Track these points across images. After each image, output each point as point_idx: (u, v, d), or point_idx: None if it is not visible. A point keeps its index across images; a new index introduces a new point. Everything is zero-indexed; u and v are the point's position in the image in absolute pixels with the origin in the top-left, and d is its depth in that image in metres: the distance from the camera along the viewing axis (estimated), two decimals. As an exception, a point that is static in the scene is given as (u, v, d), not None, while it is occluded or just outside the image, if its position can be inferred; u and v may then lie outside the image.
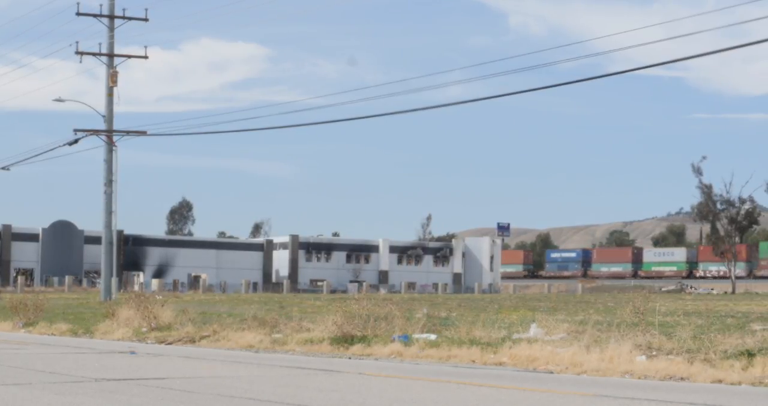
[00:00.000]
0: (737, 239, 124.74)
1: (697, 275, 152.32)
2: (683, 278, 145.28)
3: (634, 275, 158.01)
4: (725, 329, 24.04)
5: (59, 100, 63.80)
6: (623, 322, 21.15)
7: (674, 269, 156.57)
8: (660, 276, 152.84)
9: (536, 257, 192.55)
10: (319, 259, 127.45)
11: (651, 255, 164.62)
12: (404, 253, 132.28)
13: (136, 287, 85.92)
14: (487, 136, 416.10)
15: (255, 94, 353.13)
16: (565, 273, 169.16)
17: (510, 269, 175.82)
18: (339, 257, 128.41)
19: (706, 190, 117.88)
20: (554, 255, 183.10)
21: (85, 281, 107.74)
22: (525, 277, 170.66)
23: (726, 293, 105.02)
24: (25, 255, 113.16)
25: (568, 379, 16.90)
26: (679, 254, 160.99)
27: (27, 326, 34.82)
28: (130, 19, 61.42)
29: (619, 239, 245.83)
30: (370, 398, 13.44)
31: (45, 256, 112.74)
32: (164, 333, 28.88)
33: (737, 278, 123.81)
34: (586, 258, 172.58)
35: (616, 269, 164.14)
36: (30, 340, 28.76)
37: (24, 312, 35.90)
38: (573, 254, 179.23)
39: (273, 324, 27.34)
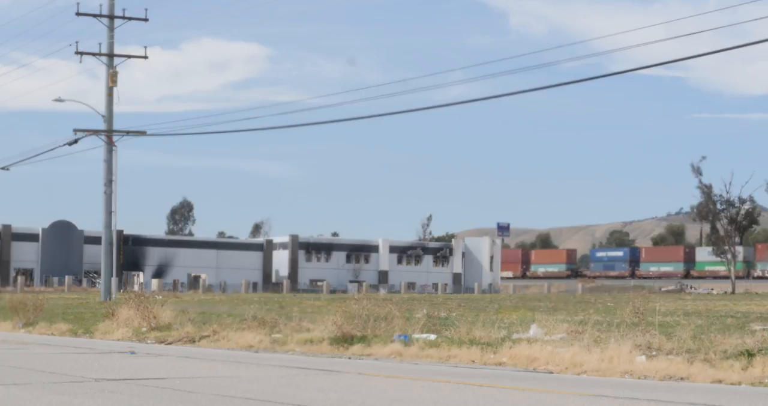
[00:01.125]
0: (737, 239, 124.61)
1: (755, 274, 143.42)
2: (739, 278, 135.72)
3: (686, 275, 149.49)
4: (725, 329, 24.04)
5: (59, 100, 63.78)
6: (623, 322, 21.16)
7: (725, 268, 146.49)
8: (715, 276, 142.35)
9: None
10: (319, 259, 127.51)
11: (704, 254, 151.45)
12: (404, 253, 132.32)
13: (136, 287, 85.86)
14: (487, 136, 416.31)
15: (256, 94, 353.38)
16: (611, 273, 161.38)
17: (552, 269, 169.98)
18: (339, 257, 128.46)
19: (706, 190, 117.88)
20: (599, 254, 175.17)
21: (84, 281, 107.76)
22: (568, 277, 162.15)
23: (726, 293, 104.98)
24: (25, 255, 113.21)
25: (568, 379, 16.90)
26: None
27: (27, 326, 34.82)
28: (130, 19, 61.43)
29: (619, 239, 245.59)
30: (369, 398, 13.44)
31: (45, 256, 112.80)
32: (164, 333, 28.88)
33: None
34: (633, 257, 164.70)
35: (666, 268, 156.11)
36: (30, 340, 28.76)
37: (24, 312, 35.90)
38: (620, 253, 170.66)
39: (273, 324, 27.35)
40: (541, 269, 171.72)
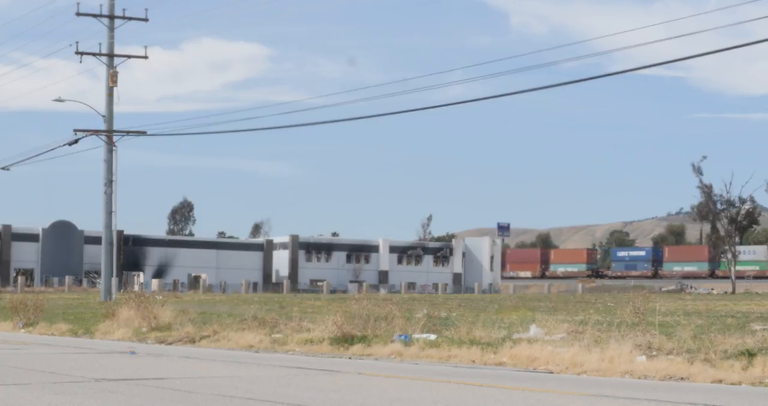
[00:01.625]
0: (737, 239, 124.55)
1: None
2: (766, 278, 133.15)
3: (712, 275, 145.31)
4: (725, 329, 24.04)
5: (59, 100, 63.79)
6: (623, 322, 21.15)
7: (756, 268, 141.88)
8: (741, 276, 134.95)
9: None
10: (319, 259, 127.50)
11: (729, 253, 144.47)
12: (404, 253, 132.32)
13: (136, 287, 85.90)
14: (487, 136, 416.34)
15: (256, 94, 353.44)
16: (634, 273, 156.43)
17: (572, 269, 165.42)
18: (339, 257, 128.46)
19: (707, 190, 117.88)
20: (621, 254, 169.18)
21: (85, 281, 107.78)
22: (589, 277, 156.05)
23: (726, 292, 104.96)
24: (25, 255, 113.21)
25: (568, 379, 16.90)
26: (762, 251, 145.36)
27: (27, 326, 34.82)
28: (130, 19, 61.44)
29: (619, 239, 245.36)
30: (370, 398, 13.44)
31: (45, 256, 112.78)
32: (164, 333, 28.87)
33: None
34: (656, 257, 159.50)
35: (690, 268, 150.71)
36: (30, 340, 28.76)
37: (24, 312, 35.90)
38: (642, 253, 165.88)
39: (273, 324, 27.35)
40: (560, 269, 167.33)
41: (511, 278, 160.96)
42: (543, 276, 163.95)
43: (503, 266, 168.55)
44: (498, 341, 21.26)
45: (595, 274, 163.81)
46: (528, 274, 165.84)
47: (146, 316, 30.65)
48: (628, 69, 42.07)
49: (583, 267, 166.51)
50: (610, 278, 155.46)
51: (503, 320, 28.10)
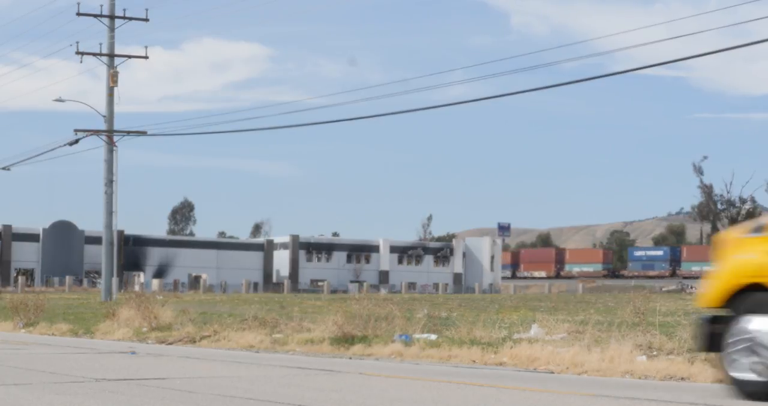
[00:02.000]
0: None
1: None
2: None
3: None
4: (726, 329, 24.00)
5: (60, 100, 63.84)
6: (624, 322, 21.15)
7: None
8: None
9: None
10: (319, 259, 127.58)
11: None
12: (405, 253, 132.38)
13: (137, 287, 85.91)
14: (487, 136, 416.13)
15: (257, 94, 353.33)
16: (651, 273, 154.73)
17: (588, 269, 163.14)
18: (339, 257, 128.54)
19: (707, 190, 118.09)
20: (638, 253, 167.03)
21: (85, 281, 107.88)
22: (605, 277, 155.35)
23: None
24: (25, 255, 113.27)
25: (569, 379, 16.89)
26: None
27: (27, 326, 34.83)
28: (130, 19, 61.50)
29: (619, 239, 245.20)
30: (370, 398, 13.43)
31: (45, 256, 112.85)
32: (164, 333, 28.88)
33: None
34: (674, 256, 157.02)
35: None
36: (30, 340, 28.75)
37: (24, 312, 35.90)
38: (660, 253, 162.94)
39: (273, 324, 27.35)
40: (575, 269, 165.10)
41: (525, 278, 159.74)
42: (558, 276, 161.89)
43: (517, 267, 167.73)
44: (498, 341, 21.25)
45: (612, 274, 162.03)
46: (543, 274, 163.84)
47: (147, 316, 30.65)
48: (628, 69, 42.12)
49: (599, 267, 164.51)
50: (627, 277, 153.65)
51: (504, 320, 28.11)
